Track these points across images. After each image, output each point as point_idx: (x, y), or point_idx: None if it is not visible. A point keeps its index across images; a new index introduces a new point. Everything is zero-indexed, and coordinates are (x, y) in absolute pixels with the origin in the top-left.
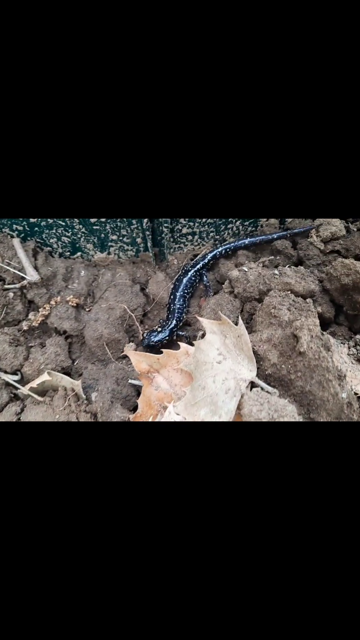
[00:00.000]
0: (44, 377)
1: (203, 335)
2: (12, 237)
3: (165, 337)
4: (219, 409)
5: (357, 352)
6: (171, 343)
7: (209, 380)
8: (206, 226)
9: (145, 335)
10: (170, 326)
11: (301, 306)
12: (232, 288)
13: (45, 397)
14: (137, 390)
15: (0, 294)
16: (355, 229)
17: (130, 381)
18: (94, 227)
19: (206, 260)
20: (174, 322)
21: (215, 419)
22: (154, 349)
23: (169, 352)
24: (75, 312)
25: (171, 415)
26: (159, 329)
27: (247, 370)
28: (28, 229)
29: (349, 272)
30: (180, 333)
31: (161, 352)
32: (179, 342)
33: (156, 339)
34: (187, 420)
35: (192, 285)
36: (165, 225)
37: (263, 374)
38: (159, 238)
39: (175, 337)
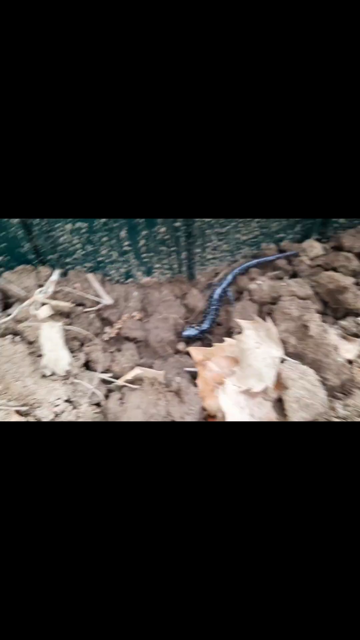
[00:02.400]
0: (137, 371)
1: (239, 332)
2: (83, 271)
3: (197, 335)
4: (264, 377)
5: (341, 332)
6: (199, 340)
7: (252, 360)
8: (224, 252)
9: (186, 328)
10: (203, 328)
11: (304, 305)
12: (250, 296)
13: (136, 386)
14: (191, 375)
15: (86, 315)
16: (330, 248)
17: (185, 369)
18: (144, 260)
19: (229, 280)
20: (207, 326)
21: (262, 384)
22: (189, 341)
23: (218, 345)
24: (139, 323)
25: (229, 386)
26: (196, 327)
27: (276, 351)
28: (95, 265)
29: (331, 280)
30: (208, 335)
31: (196, 343)
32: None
33: (192, 334)
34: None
35: (221, 299)
36: (198, 254)
37: (286, 352)
38: (191, 263)
39: (203, 336)
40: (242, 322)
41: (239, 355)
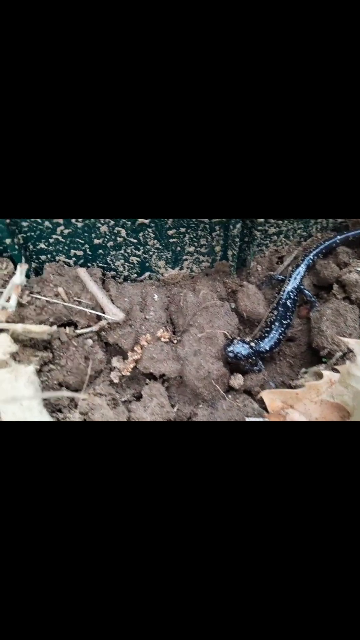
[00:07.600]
0: None
1: (341, 356)
2: (69, 265)
3: (251, 355)
4: None
5: None
6: (250, 364)
7: None
8: (294, 223)
9: (235, 342)
10: (261, 348)
11: None
12: (346, 293)
13: None
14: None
15: (78, 343)
16: None
17: (248, 419)
18: (171, 241)
19: (304, 268)
20: (271, 344)
21: None
22: (236, 364)
23: (311, 384)
24: (168, 349)
25: None
26: (252, 343)
27: None
28: (90, 252)
29: None
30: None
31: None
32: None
33: (241, 353)
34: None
35: (294, 300)
36: (260, 228)
37: None
38: (242, 243)
39: (262, 357)
40: (352, 342)
41: (351, 402)
